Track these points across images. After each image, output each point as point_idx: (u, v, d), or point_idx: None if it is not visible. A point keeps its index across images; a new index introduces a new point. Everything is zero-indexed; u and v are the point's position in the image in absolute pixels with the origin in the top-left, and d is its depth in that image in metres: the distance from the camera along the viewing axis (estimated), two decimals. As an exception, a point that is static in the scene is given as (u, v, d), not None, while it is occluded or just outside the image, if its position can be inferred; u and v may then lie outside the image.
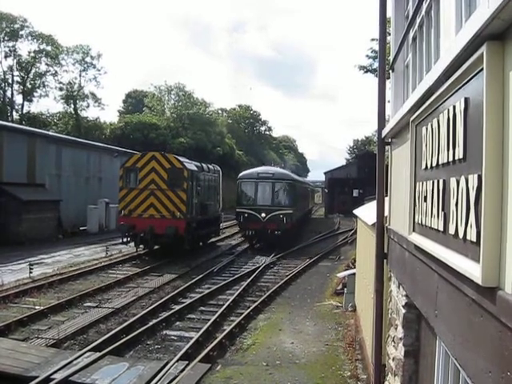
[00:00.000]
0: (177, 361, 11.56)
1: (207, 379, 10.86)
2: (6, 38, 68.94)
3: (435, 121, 3.81)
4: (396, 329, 6.47)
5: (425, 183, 4.26)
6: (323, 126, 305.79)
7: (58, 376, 10.35)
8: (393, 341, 6.73)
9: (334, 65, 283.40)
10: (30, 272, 20.71)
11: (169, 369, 11.10)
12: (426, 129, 4.18)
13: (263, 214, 31.29)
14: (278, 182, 32.81)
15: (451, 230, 3.27)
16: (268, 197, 32.31)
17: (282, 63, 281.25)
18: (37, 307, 15.96)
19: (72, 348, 12.79)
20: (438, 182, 3.70)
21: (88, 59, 76.23)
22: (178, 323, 15.36)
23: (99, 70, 77.36)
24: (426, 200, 4.20)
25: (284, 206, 32.01)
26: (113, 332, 13.58)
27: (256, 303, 17.10)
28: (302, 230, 41.03)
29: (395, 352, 6.41)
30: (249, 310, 16.20)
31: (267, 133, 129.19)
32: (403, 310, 5.94)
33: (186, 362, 11.49)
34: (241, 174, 34.91)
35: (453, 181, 3.24)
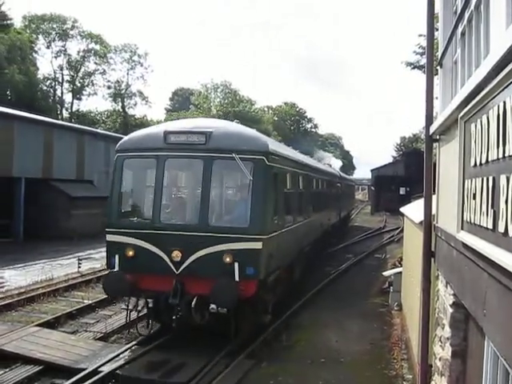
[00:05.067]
0: (222, 357, 11.63)
1: (252, 375, 10.91)
2: (56, 39, 70.72)
3: (485, 117, 3.74)
4: (443, 328, 6.39)
5: (474, 180, 4.19)
6: (364, 123, 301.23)
7: (106, 369, 10.62)
8: (440, 341, 6.64)
9: (373, 61, 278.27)
10: (79, 267, 21.17)
11: (214, 364, 11.18)
12: (475, 125, 4.11)
13: (176, 253, 11.55)
14: (223, 159, 11.93)
15: (501, 228, 3.20)
16: (193, 202, 13.21)
17: (318, 60, 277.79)
18: (85, 301, 16.34)
19: (119, 342, 13.04)
20: (488, 179, 3.62)
21: (135, 58, 77.69)
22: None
23: (146, 69, 78.81)
24: (474, 198, 4.12)
25: (240, 229, 11.66)
26: (158, 327, 13.72)
27: (301, 301, 17.04)
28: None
29: (442, 352, 6.33)
30: (294, 307, 16.15)
31: (313, 130, 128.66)
32: (451, 310, 5.86)
33: (232, 358, 11.53)
34: (123, 141, 13.27)
35: (503, 178, 3.17)
